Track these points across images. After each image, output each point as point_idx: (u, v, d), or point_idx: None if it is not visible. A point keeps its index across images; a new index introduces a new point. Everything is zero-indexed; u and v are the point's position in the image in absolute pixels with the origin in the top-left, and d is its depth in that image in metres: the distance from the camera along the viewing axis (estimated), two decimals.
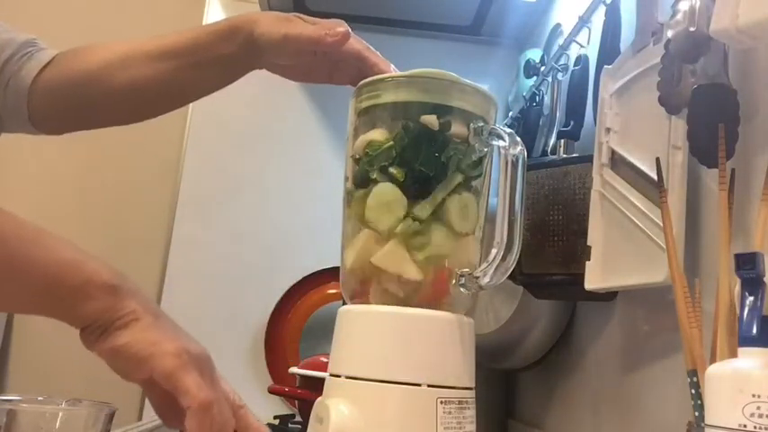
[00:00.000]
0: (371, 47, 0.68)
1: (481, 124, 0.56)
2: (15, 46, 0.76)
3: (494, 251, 0.53)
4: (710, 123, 0.53)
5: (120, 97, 0.75)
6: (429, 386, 0.52)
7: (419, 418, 0.51)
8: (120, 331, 0.50)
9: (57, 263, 0.51)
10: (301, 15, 0.69)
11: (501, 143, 0.55)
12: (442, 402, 0.52)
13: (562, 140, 0.89)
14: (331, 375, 0.56)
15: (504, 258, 0.53)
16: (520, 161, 0.54)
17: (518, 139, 0.55)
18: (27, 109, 0.75)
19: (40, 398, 0.51)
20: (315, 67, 0.71)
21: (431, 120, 0.56)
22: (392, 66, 0.67)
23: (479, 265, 0.57)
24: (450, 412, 0.52)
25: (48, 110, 0.76)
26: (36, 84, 0.75)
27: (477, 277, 0.55)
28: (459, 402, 0.53)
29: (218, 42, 0.71)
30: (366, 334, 0.54)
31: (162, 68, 0.73)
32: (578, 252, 0.77)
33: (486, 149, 0.58)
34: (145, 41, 0.75)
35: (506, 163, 0.54)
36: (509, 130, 0.55)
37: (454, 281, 0.56)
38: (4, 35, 0.76)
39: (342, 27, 0.66)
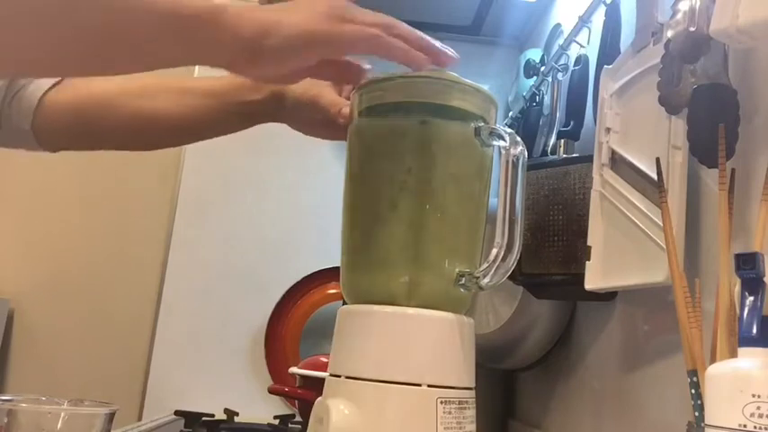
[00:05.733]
0: None
1: (482, 124, 0.56)
2: None
3: (494, 251, 0.53)
4: (710, 123, 0.53)
5: (134, 124, 0.76)
6: (429, 386, 0.52)
7: (419, 418, 0.51)
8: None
9: None
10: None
11: (502, 143, 0.55)
12: (442, 402, 0.52)
13: (562, 140, 0.89)
14: (331, 375, 0.56)
15: (504, 259, 0.53)
16: (520, 161, 0.54)
17: (518, 139, 0.55)
18: (32, 124, 0.75)
19: (43, 398, 0.51)
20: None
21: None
22: None
23: (480, 266, 0.57)
24: (450, 412, 0.52)
25: (55, 127, 0.76)
26: (45, 100, 0.75)
27: (478, 277, 0.55)
28: (460, 402, 0.53)
29: (243, 91, 0.73)
30: (366, 334, 0.54)
31: (186, 104, 0.75)
32: (578, 252, 0.77)
33: (486, 150, 0.58)
34: (165, 78, 0.76)
35: (507, 163, 0.54)
36: (509, 131, 0.55)
37: (455, 281, 0.56)
38: None
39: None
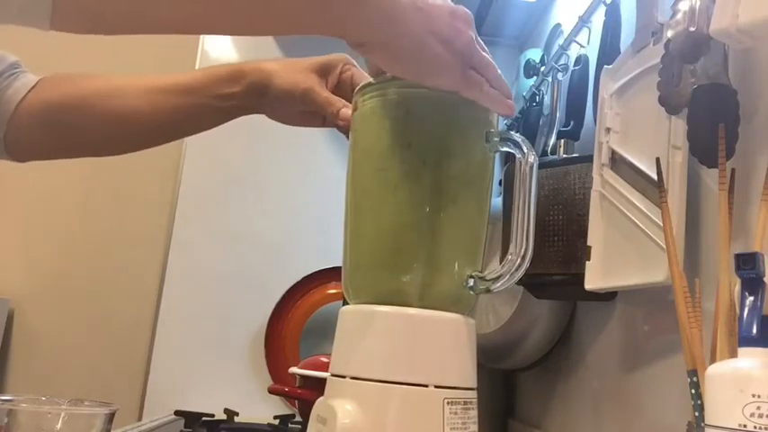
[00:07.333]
0: None
1: (492, 130, 0.57)
2: (4, 65, 0.75)
3: (509, 258, 0.54)
4: (710, 123, 0.53)
5: (109, 125, 0.75)
6: (436, 387, 0.52)
7: (426, 419, 0.51)
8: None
9: None
10: (323, 65, 0.71)
11: (516, 151, 0.55)
12: (448, 403, 0.52)
13: (562, 140, 0.89)
14: (333, 376, 0.56)
15: (518, 267, 0.54)
16: (534, 169, 0.54)
17: (531, 145, 0.55)
18: (5, 130, 0.73)
19: (43, 398, 0.51)
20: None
21: None
22: None
23: (483, 267, 0.57)
24: (456, 413, 0.52)
25: (28, 132, 0.74)
26: (20, 105, 0.73)
27: (490, 280, 0.55)
28: (465, 403, 0.53)
29: (220, 83, 0.73)
30: (371, 334, 0.54)
31: (158, 101, 0.74)
32: (578, 252, 0.77)
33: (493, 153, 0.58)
34: (139, 77, 0.76)
35: (521, 173, 0.54)
36: (523, 138, 0.55)
37: (463, 282, 0.56)
38: None
39: (350, 110, 0.67)
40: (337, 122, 0.69)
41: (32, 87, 0.75)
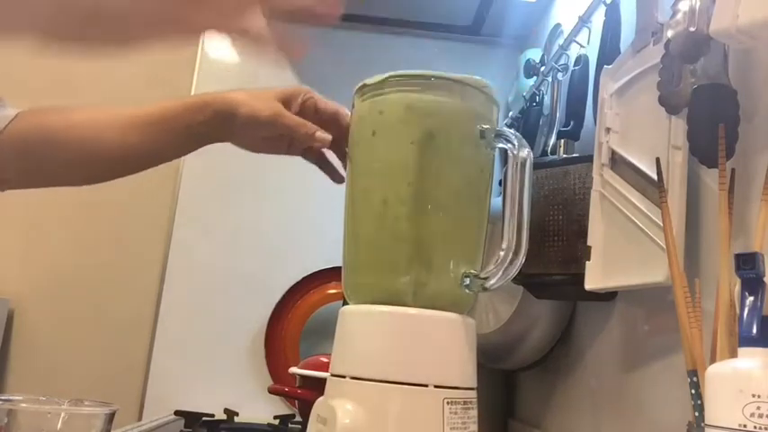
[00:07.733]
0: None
1: (487, 126, 0.57)
2: None
3: (501, 254, 0.54)
4: (710, 123, 0.53)
5: (82, 157, 0.77)
6: (436, 387, 0.52)
7: (426, 418, 0.51)
8: None
9: None
10: (287, 96, 0.74)
11: (509, 146, 0.55)
12: (448, 403, 0.52)
13: (562, 140, 0.89)
14: (333, 376, 0.56)
15: (511, 262, 0.53)
16: (527, 164, 0.54)
17: (525, 142, 0.55)
18: None
19: (43, 398, 0.51)
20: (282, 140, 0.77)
21: None
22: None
23: (482, 266, 0.57)
24: (456, 413, 0.52)
25: (5, 164, 0.76)
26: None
27: (483, 279, 0.55)
28: (465, 403, 0.53)
29: (188, 113, 0.74)
30: (371, 334, 0.54)
31: (129, 132, 0.76)
32: (578, 252, 0.77)
33: (489, 151, 0.58)
34: (113, 109, 0.77)
35: (515, 166, 0.54)
36: (516, 134, 0.55)
37: (459, 281, 0.56)
38: None
39: (326, 135, 0.71)
40: (312, 143, 0.73)
41: (10, 121, 0.76)
